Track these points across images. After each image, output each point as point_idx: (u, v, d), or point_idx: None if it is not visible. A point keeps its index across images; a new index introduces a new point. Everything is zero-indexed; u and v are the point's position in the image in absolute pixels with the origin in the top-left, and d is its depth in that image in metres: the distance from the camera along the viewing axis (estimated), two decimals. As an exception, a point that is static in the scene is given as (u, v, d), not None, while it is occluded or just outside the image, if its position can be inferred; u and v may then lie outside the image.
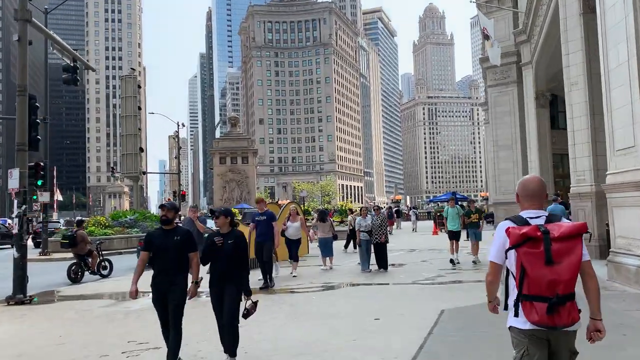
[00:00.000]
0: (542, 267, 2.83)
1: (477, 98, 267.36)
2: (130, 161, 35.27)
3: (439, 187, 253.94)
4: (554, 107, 30.59)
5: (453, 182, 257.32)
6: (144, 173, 45.99)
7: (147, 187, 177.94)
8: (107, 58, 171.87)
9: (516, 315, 3.00)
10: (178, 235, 5.60)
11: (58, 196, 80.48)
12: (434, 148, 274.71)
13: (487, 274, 3.23)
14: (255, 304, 5.77)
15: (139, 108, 34.86)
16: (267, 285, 11.36)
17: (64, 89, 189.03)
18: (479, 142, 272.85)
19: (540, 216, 3.09)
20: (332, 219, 17.14)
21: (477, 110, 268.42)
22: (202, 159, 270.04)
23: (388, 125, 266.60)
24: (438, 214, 33.65)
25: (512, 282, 3.04)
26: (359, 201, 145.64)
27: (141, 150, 34.92)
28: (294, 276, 13.24)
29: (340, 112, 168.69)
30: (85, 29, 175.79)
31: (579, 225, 2.95)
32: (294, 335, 7.18)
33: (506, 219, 3.19)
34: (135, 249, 20.65)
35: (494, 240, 3.15)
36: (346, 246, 21.06)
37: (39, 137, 11.57)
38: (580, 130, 14.86)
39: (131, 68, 61.59)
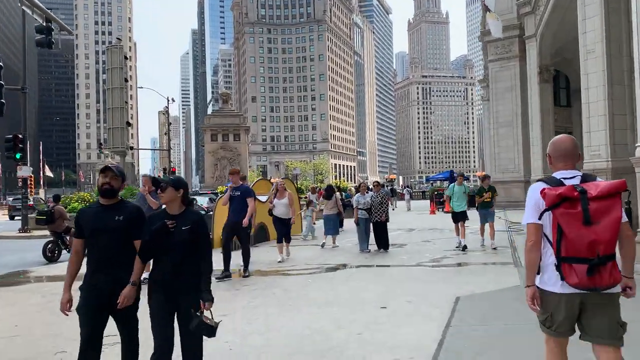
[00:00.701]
0: (581, 227, 2.74)
1: (471, 78, 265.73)
2: (117, 135, 33.94)
3: (433, 167, 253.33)
4: (556, 83, 29.58)
5: (446, 162, 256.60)
6: (131, 148, 44.63)
7: (138, 165, 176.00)
8: (96, 32, 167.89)
9: (551, 277, 2.92)
10: (121, 215, 3.82)
11: (47, 172, 79.13)
12: (427, 128, 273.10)
13: (526, 240, 3.00)
14: (214, 328, 3.69)
15: (126, 80, 33.39)
16: (232, 275, 9.63)
17: (53, 64, 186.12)
18: (473, 122, 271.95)
19: (575, 176, 2.99)
20: (337, 196, 15.98)
21: (472, 90, 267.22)
22: (194, 137, 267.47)
23: (382, 104, 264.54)
24: (435, 192, 32.70)
25: (546, 246, 2.94)
26: (352, 180, 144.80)
27: (128, 124, 33.47)
28: (287, 256, 12.22)
29: (333, 91, 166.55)
30: (74, 2, 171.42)
31: (617, 183, 2.82)
32: (288, 327, 6.18)
33: (538, 180, 3.08)
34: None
35: (527, 204, 3.03)
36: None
37: (3, 101, 10.35)
38: (596, 101, 13.83)
39: (117, 38, 59.73)
